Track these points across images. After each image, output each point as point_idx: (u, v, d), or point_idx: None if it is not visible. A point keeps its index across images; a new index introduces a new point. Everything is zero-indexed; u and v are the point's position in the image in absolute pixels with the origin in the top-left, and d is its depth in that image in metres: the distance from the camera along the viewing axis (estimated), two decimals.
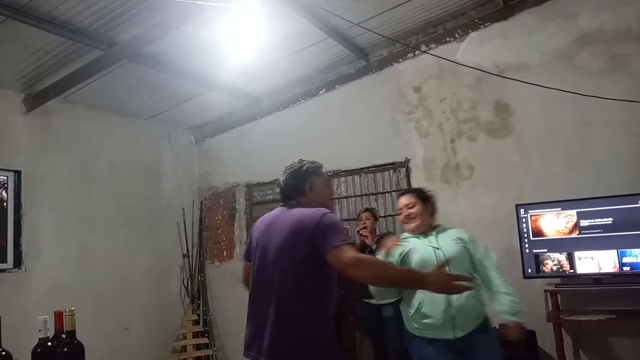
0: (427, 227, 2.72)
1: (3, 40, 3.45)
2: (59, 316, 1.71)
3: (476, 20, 4.36)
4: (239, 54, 4.22)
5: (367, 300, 4.11)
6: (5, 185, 4.12)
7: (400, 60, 4.72)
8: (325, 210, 2.12)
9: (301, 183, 2.29)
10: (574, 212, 3.63)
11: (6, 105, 4.11)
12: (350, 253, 1.95)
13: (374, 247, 4.06)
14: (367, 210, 4.32)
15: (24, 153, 4.17)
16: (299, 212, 2.15)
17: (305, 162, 2.36)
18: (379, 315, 4.06)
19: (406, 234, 2.77)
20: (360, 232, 4.13)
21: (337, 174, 5.06)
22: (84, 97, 4.44)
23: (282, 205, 2.32)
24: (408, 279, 2.04)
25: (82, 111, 4.64)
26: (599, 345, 3.74)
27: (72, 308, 1.72)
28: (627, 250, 3.44)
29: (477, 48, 4.36)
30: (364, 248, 4.13)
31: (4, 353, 1.64)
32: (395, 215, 4.75)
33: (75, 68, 3.93)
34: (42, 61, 3.83)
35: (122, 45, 3.73)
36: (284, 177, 2.34)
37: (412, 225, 2.72)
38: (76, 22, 3.44)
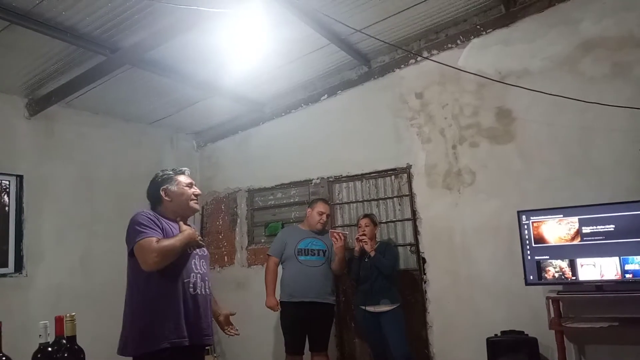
0: None
1: (7, 45, 3.46)
2: (59, 321, 1.72)
3: (478, 26, 4.37)
4: (242, 60, 4.23)
5: (364, 307, 4.11)
6: (7, 190, 4.12)
7: (402, 66, 4.73)
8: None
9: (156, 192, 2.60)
10: (576, 218, 3.62)
11: (9, 109, 4.12)
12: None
13: (372, 254, 4.05)
14: (366, 216, 4.30)
15: (26, 157, 4.18)
16: None
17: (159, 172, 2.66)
18: (377, 322, 4.05)
19: None
20: (360, 238, 4.12)
21: (338, 179, 5.06)
22: (87, 102, 4.45)
23: None
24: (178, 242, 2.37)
25: (84, 116, 4.65)
26: (602, 353, 3.72)
27: (73, 313, 1.72)
28: (630, 257, 3.42)
29: (479, 54, 4.37)
30: (363, 255, 4.13)
31: (4, 358, 1.64)
32: (396, 221, 4.75)
33: (79, 73, 3.94)
34: (45, 66, 3.85)
35: (125, 51, 3.74)
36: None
37: None
38: (80, 27, 3.46)
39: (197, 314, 2.41)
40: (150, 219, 2.40)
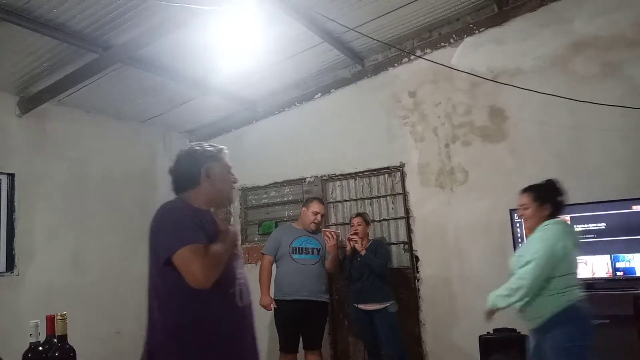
0: None
1: None
2: (50, 320, 1.71)
3: (471, 25, 4.38)
4: (235, 58, 4.22)
5: (356, 305, 4.11)
6: None
7: (396, 65, 4.74)
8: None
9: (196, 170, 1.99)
10: (567, 217, 3.63)
11: (0, 107, 4.09)
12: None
13: (363, 252, 4.06)
14: (358, 215, 4.29)
15: (18, 156, 4.15)
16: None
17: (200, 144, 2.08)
18: (370, 320, 4.06)
19: None
20: (350, 237, 4.13)
21: (332, 178, 5.06)
22: (79, 100, 4.42)
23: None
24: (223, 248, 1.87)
25: (76, 114, 4.62)
26: (592, 350, 3.74)
27: (64, 312, 1.71)
28: (620, 255, 3.45)
29: (472, 53, 4.38)
30: (354, 254, 4.13)
31: None
32: (390, 219, 4.76)
33: (70, 71, 3.91)
34: (37, 64, 3.82)
35: (117, 48, 3.72)
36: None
37: None
38: (71, 25, 3.44)
39: (246, 332, 1.94)
40: (191, 218, 1.84)
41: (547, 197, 2.84)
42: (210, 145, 2.08)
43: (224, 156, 2.08)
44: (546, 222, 2.79)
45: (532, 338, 2.84)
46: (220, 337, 1.84)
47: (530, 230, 2.86)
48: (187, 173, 1.99)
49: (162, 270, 1.80)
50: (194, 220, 1.82)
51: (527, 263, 2.66)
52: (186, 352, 1.78)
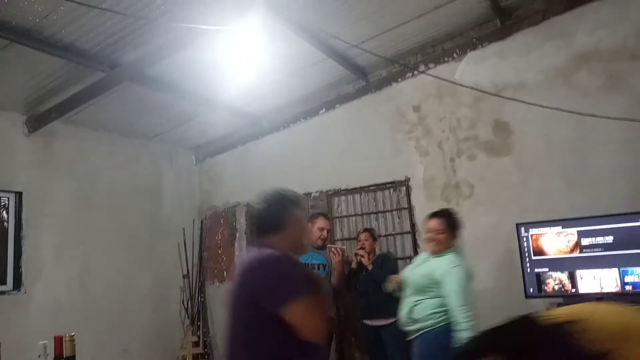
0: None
1: (6, 63, 3.49)
2: (59, 341, 1.71)
3: (474, 40, 4.40)
4: (240, 75, 4.26)
5: (363, 321, 4.09)
6: (6, 207, 4.12)
7: (400, 80, 4.76)
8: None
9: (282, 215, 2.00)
10: (574, 230, 3.61)
11: (8, 126, 4.14)
12: None
13: (369, 267, 4.05)
14: (366, 230, 4.30)
15: (25, 174, 4.19)
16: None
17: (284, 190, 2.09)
18: (377, 336, 4.03)
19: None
20: (356, 252, 4.12)
21: (337, 192, 5.07)
22: (86, 118, 4.47)
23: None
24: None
25: (83, 132, 4.67)
26: None
27: (72, 333, 1.72)
28: (629, 269, 3.42)
29: (475, 68, 4.39)
30: (360, 269, 4.12)
31: None
32: (396, 234, 4.74)
33: (78, 90, 3.96)
34: (44, 83, 3.87)
35: (124, 67, 3.77)
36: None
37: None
38: (79, 44, 3.49)
39: None
40: (298, 269, 1.88)
41: (457, 225, 3.17)
42: (291, 191, 2.10)
43: (304, 203, 2.11)
44: (453, 249, 3.09)
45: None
46: None
47: (435, 253, 3.11)
48: (276, 217, 1.99)
49: (264, 318, 1.76)
50: (300, 272, 1.86)
51: (453, 290, 2.91)
52: None
